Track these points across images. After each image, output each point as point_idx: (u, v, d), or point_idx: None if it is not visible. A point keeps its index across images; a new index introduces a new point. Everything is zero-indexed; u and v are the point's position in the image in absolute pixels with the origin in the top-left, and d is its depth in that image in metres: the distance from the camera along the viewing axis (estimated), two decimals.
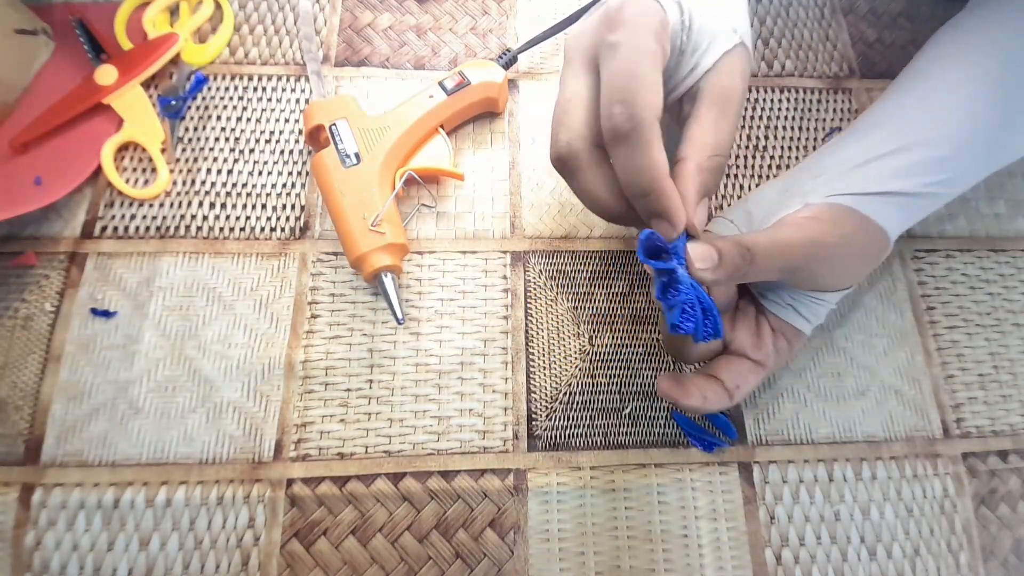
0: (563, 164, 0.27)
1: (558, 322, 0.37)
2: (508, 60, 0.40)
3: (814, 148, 0.41)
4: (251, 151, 0.39)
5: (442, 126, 0.38)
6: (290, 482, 0.33)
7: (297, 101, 0.40)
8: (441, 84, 0.38)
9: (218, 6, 0.42)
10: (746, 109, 0.42)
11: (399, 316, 0.34)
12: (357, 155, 0.35)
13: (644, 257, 0.28)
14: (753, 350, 0.31)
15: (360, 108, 0.37)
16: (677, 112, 0.30)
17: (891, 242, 0.31)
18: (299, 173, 0.39)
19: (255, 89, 0.41)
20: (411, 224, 0.38)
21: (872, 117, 0.34)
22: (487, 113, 0.41)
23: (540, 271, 0.38)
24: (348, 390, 0.35)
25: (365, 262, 0.34)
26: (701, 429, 0.35)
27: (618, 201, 0.27)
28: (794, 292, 0.32)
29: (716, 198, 0.40)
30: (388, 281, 0.34)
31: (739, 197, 0.40)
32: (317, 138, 0.37)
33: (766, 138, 0.41)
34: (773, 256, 0.28)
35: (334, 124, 0.36)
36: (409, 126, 0.36)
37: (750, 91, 0.43)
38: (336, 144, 0.35)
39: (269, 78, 0.41)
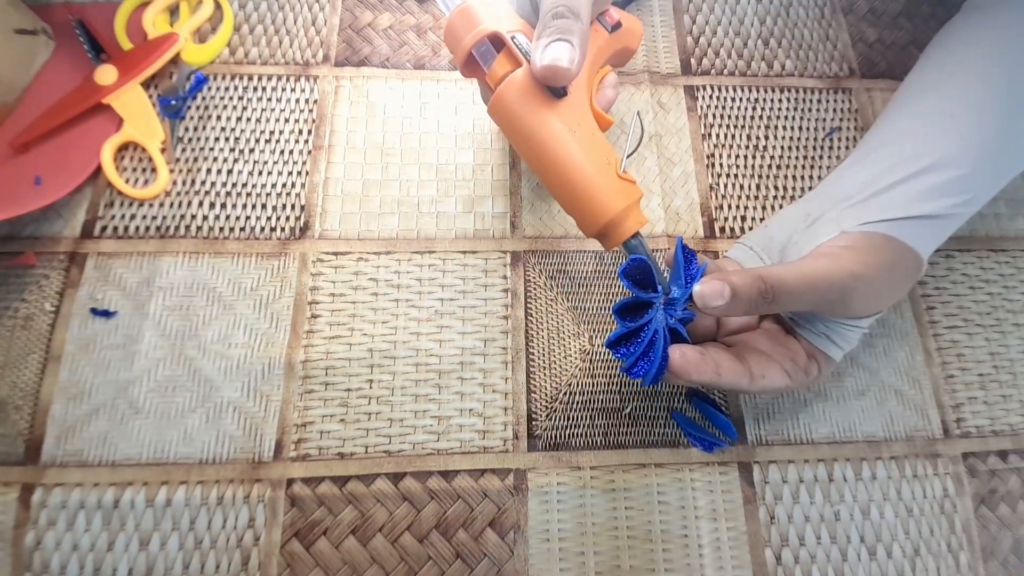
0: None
1: (558, 322, 0.37)
2: (623, 1, 0.32)
3: (814, 148, 0.41)
4: (251, 151, 0.39)
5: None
6: (290, 482, 0.33)
7: (297, 101, 0.40)
8: (599, 19, 0.30)
9: (218, 6, 0.42)
10: (746, 109, 0.42)
11: (679, 287, 0.28)
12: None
13: (627, 282, 0.28)
14: (783, 357, 0.30)
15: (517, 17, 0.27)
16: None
17: (924, 264, 0.31)
18: (299, 173, 0.39)
19: (255, 89, 0.41)
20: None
21: (886, 134, 0.34)
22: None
23: (540, 271, 0.38)
24: (348, 390, 0.35)
25: (621, 225, 0.26)
26: (701, 429, 0.35)
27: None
28: (827, 320, 0.31)
29: (716, 197, 0.40)
30: (645, 244, 0.27)
31: (739, 196, 0.40)
32: (485, 58, 0.27)
33: (766, 138, 0.41)
34: (804, 291, 0.27)
35: (515, 36, 0.26)
36: (590, 59, 0.28)
37: (750, 91, 0.43)
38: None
39: (269, 78, 0.41)
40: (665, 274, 0.29)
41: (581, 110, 0.26)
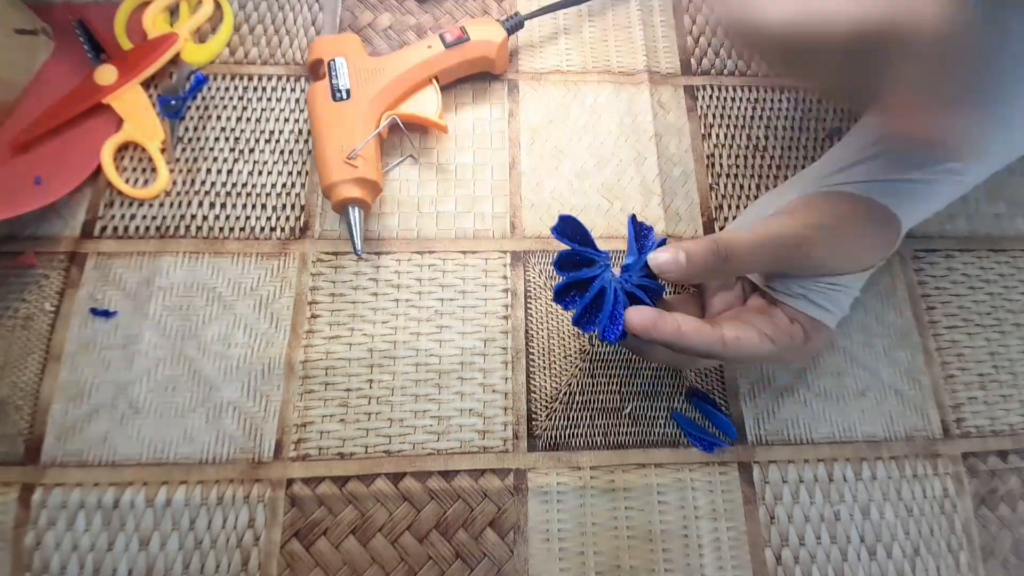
0: None
1: (558, 322, 0.37)
2: (514, 24, 0.40)
3: (814, 148, 0.41)
4: (251, 151, 0.39)
5: (436, 78, 0.39)
6: (290, 482, 0.33)
7: (297, 101, 0.40)
8: (441, 36, 0.39)
9: (218, 6, 0.42)
10: (746, 109, 0.42)
11: (358, 249, 0.35)
12: (348, 91, 0.37)
13: (561, 238, 0.29)
14: (762, 323, 0.30)
15: (363, 49, 0.39)
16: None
17: (900, 221, 0.31)
18: (299, 173, 0.39)
19: (255, 89, 0.41)
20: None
21: (865, 123, 0.34)
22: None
23: (540, 271, 0.38)
24: (348, 390, 0.35)
25: (334, 191, 0.35)
26: (701, 429, 0.35)
27: None
28: (802, 280, 0.30)
29: (716, 197, 0.40)
30: (354, 214, 0.35)
31: (739, 196, 0.40)
32: (316, 71, 0.39)
33: (766, 138, 0.41)
34: (757, 247, 0.28)
35: (333, 60, 0.37)
36: (402, 72, 0.38)
37: (750, 91, 0.43)
38: (331, 78, 0.37)
39: (269, 78, 0.41)
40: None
41: (351, 115, 0.36)
